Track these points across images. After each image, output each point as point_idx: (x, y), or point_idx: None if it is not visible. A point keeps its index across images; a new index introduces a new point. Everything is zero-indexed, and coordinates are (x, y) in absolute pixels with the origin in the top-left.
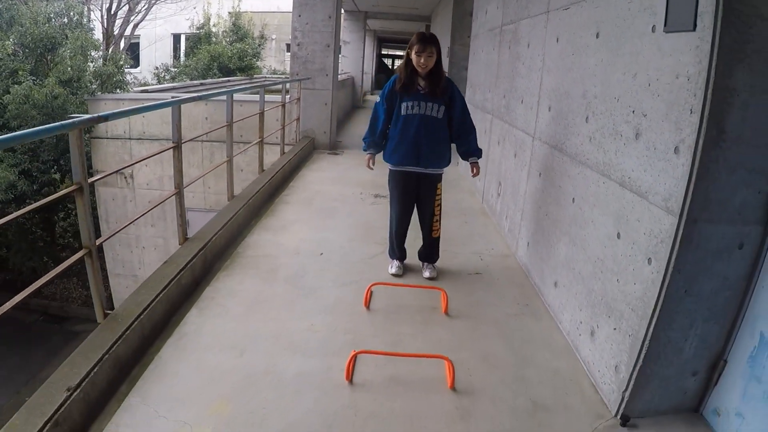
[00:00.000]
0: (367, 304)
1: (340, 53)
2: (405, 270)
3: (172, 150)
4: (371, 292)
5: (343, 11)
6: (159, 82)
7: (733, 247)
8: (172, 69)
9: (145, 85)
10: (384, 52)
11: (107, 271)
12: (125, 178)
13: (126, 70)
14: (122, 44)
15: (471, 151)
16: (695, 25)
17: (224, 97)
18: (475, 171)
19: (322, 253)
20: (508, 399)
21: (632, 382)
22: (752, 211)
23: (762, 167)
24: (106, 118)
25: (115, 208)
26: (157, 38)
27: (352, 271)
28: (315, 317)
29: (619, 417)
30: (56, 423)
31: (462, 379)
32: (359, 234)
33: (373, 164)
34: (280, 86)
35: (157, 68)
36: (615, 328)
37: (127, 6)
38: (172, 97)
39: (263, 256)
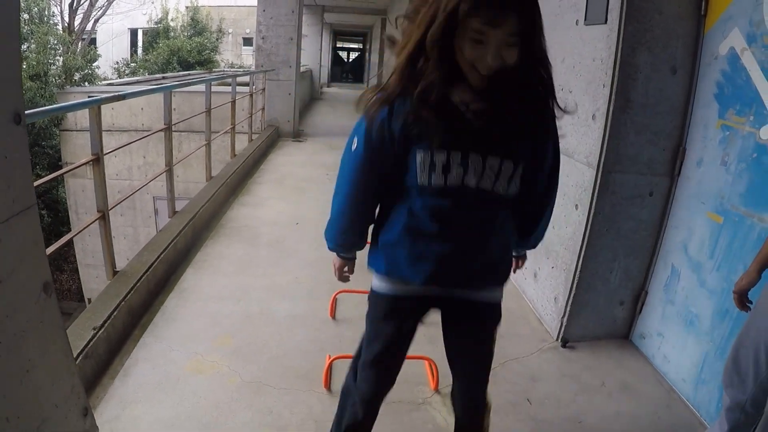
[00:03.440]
0: None
1: None
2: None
3: (161, 133)
4: None
5: None
6: (119, 77)
7: (645, 194)
8: (132, 64)
9: (105, 79)
10: (339, 45)
11: (77, 263)
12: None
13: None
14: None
15: (537, 237)
16: (606, 19)
17: (200, 88)
18: (520, 263)
19: (297, 223)
20: None
21: (568, 309)
22: (659, 165)
23: (665, 129)
24: (123, 97)
25: (84, 199)
26: (114, 33)
27: None
28: (298, 272)
29: (559, 340)
30: (87, 355)
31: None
32: (329, 208)
33: (350, 273)
34: (240, 78)
35: (117, 63)
36: (553, 267)
37: (88, 1)
38: (160, 83)
39: (245, 226)
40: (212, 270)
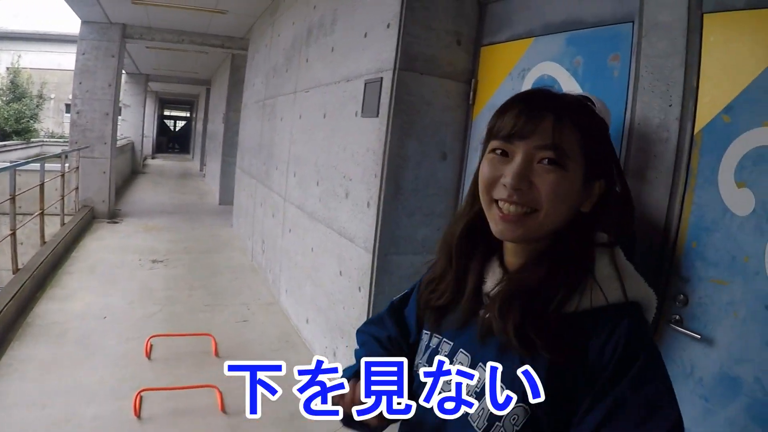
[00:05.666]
0: (148, 355)
1: (120, 116)
2: (173, 324)
3: None
4: (151, 345)
5: (124, 73)
6: None
7: (422, 272)
8: None
9: None
10: (167, 113)
11: None
12: None
13: None
14: None
15: None
16: (378, 113)
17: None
18: None
19: (105, 317)
20: (271, 413)
21: None
22: (434, 243)
23: (437, 210)
24: None
25: None
26: None
27: (133, 328)
28: (104, 371)
29: None
30: None
31: (231, 404)
32: (139, 296)
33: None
34: (54, 149)
35: None
36: (347, 346)
37: None
38: None
39: (52, 323)
40: (17, 375)
